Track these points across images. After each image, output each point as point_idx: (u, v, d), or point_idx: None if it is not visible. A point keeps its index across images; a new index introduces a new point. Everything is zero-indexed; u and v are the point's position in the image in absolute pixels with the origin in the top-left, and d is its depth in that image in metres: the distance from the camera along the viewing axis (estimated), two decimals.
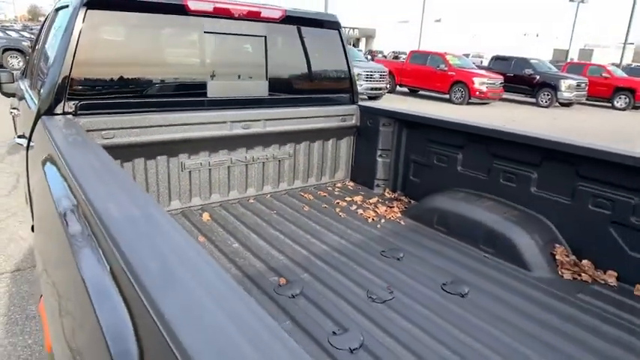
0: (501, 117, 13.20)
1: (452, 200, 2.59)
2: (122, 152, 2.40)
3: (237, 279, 1.96)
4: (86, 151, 1.54)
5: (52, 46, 2.43)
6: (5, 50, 15.41)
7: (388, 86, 15.55)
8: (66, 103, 2.19)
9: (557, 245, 2.24)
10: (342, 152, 3.37)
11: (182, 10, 2.43)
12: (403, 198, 3.11)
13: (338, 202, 3.01)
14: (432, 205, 2.67)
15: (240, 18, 2.65)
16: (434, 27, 51.47)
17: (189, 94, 2.60)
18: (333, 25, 3.11)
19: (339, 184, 3.39)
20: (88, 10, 2.17)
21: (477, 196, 2.58)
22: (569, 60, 32.09)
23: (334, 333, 1.61)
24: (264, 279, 1.97)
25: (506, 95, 17.70)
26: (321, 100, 3.15)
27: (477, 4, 50.74)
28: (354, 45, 52.36)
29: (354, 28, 51.48)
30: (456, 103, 15.56)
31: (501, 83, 15.91)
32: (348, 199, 3.09)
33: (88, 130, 2.23)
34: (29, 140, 2.20)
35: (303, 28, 2.98)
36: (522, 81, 16.97)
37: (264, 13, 2.72)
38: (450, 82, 15.79)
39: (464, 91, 15.44)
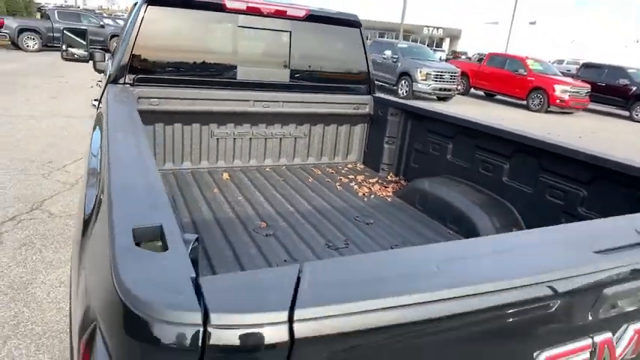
0: (579, 129, 12.17)
1: (434, 184, 2.84)
2: (165, 117, 2.99)
3: (231, 219, 2.47)
4: (125, 109, 2.05)
5: (125, 32, 3.03)
6: (112, 37, 17.28)
7: (459, 88, 14.99)
8: (127, 75, 2.80)
9: (515, 229, 2.36)
10: (355, 137, 3.70)
11: (220, 8, 2.95)
12: (402, 182, 3.36)
13: (340, 179, 3.33)
14: (417, 186, 2.95)
15: (268, 15, 3.09)
16: (528, 30, 48.32)
17: (221, 76, 3.12)
18: (354, 24, 3.43)
19: (350, 165, 3.71)
20: (149, 6, 2.75)
21: (457, 182, 2.78)
22: None
23: (285, 261, 2.03)
24: (251, 221, 2.45)
25: (594, 106, 16.23)
26: (337, 89, 3.49)
27: (579, 5, 46.71)
28: (437, 45, 50.77)
29: (437, 28, 49.90)
30: (533, 110, 14.59)
31: (588, 93, 14.62)
32: (351, 176, 3.39)
33: (139, 98, 2.83)
34: (99, 102, 2.83)
35: (326, 26, 3.34)
36: (615, 92, 15.45)
37: (290, 12, 3.14)
38: (529, 88, 14.83)
39: (543, 98, 14.42)
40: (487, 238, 1.01)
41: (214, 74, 3.08)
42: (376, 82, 15.11)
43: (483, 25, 50.65)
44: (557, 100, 14.16)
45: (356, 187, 3.19)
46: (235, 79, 3.13)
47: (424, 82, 13.39)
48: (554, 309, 0.80)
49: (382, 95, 3.66)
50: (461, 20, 50.80)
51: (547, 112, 14.44)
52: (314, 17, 3.25)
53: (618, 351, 0.93)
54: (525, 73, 15.02)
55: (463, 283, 0.72)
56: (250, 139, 3.33)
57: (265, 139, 3.39)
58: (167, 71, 2.94)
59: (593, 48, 43.39)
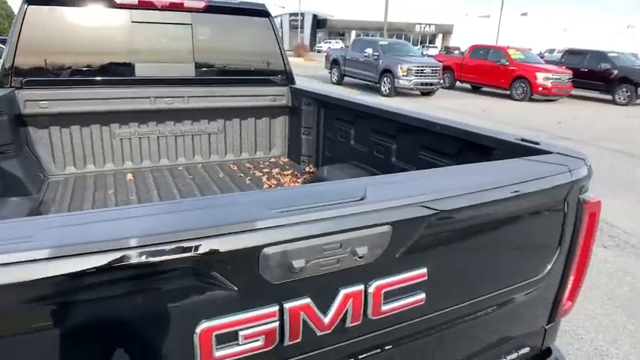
0: (560, 116, 12.29)
1: (332, 171, 2.81)
2: (59, 119, 2.89)
3: (112, 200, 2.62)
4: None
5: (10, 35, 2.91)
6: None
7: (441, 82, 15.14)
8: (13, 79, 2.73)
9: None
10: (276, 130, 3.63)
11: (111, 3, 2.85)
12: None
13: (254, 173, 3.28)
14: (318, 175, 2.93)
15: (163, 9, 2.98)
16: (520, 21, 48.33)
17: (117, 73, 3.00)
18: (261, 13, 3.33)
19: (273, 159, 3.64)
20: (29, 6, 2.65)
21: (355, 167, 2.74)
22: None
23: None
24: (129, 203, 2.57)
25: (578, 92, 16.32)
26: (250, 81, 3.42)
27: None
28: (430, 42, 50.88)
29: (429, 25, 50.10)
30: (517, 100, 14.72)
31: (570, 79, 14.73)
32: (266, 170, 3.37)
33: (26, 101, 2.79)
34: None
35: (232, 17, 3.23)
36: (597, 76, 15.53)
37: (188, 4, 3.02)
38: (512, 78, 14.96)
39: (525, 86, 14.55)
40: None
41: (109, 72, 2.96)
42: (359, 80, 15.11)
43: (475, 19, 50.74)
44: (540, 88, 14.28)
45: (265, 179, 3.13)
46: (133, 76, 3.00)
47: (405, 77, 13.57)
48: (215, 273, 0.74)
49: (298, 86, 3.57)
50: (452, 15, 50.91)
51: (530, 100, 14.56)
52: (215, 8, 3.11)
53: (327, 318, 0.86)
54: (507, 63, 15.16)
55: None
56: (158, 137, 3.22)
57: (175, 137, 3.28)
58: (57, 72, 2.83)
59: (585, 36, 43.34)
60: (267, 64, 3.47)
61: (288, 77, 3.53)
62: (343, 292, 0.86)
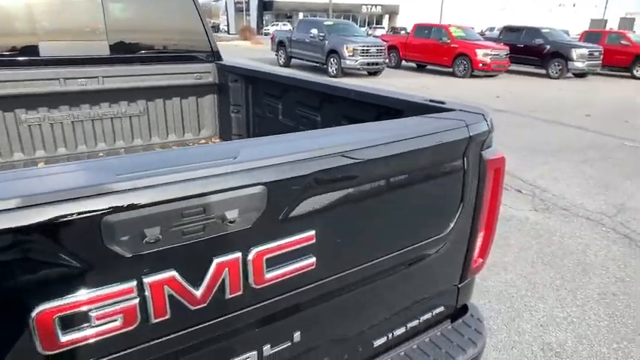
0: (499, 90, 12.79)
1: None
2: None
3: None
4: None
5: None
6: None
7: (387, 61, 15.31)
8: None
9: None
10: (205, 109, 3.44)
11: None
12: None
13: None
14: None
15: None
16: (463, 1, 49.45)
17: (17, 54, 2.69)
18: None
19: (203, 141, 3.46)
20: None
21: None
22: (608, 29, 30.14)
23: None
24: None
25: (515, 67, 17.05)
26: (171, 59, 3.20)
27: None
28: (377, 22, 51.19)
29: (375, 5, 50.29)
30: (459, 77, 15.16)
31: (507, 54, 15.33)
32: None
33: None
34: None
35: None
36: (532, 51, 16.28)
37: None
38: (453, 55, 15.37)
39: (467, 63, 15.00)
40: None
41: (7, 53, 2.66)
42: (307, 62, 14.97)
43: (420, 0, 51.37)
44: (480, 64, 14.78)
45: None
46: (38, 56, 2.71)
47: (351, 57, 13.59)
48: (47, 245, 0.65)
49: (225, 62, 3.38)
50: None
51: (472, 76, 15.04)
52: None
53: (199, 291, 0.79)
54: (449, 41, 15.54)
55: None
56: (73, 122, 2.94)
57: (92, 121, 3.00)
58: None
59: (521, 14, 45.23)
60: (189, 40, 3.27)
61: (213, 53, 3.36)
62: (216, 261, 0.79)
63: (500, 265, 3.30)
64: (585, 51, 15.37)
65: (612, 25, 43.52)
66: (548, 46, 15.82)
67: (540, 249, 3.56)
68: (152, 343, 0.79)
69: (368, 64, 13.96)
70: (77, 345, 0.71)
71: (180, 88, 3.29)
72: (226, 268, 0.81)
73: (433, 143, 1.04)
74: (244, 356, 0.93)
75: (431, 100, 1.42)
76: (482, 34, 22.99)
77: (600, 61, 15.88)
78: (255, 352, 0.94)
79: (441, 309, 1.31)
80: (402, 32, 28.80)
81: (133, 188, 0.68)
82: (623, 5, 47.48)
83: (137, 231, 0.69)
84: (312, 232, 0.89)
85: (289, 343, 0.98)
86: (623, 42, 16.72)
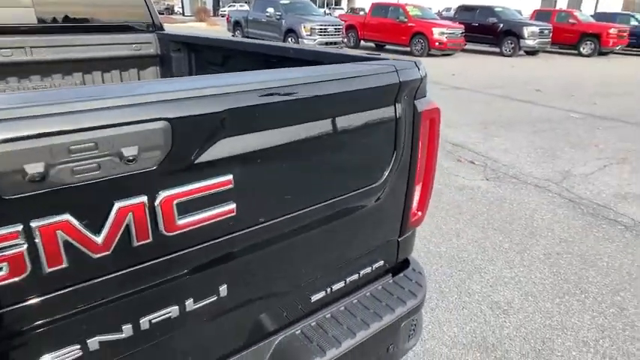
0: (454, 68, 13.02)
1: None
2: None
3: None
4: None
5: None
6: None
7: (345, 40, 15.23)
8: None
9: None
10: None
11: None
12: None
13: None
14: None
15: None
16: None
17: None
18: None
19: None
20: None
21: None
22: (557, 8, 31.17)
23: None
24: None
25: (471, 46, 17.40)
26: (106, 28, 3.01)
27: None
28: (335, 3, 50.75)
29: None
30: (417, 55, 15.29)
31: (462, 33, 15.59)
32: None
33: None
34: None
35: None
36: (486, 30, 16.64)
37: None
38: (410, 34, 15.47)
39: (423, 42, 15.15)
40: None
41: None
42: None
43: None
44: (437, 43, 14.96)
45: None
46: None
47: (309, 37, 13.44)
48: None
49: (166, 32, 3.22)
50: None
51: (429, 55, 15.22)
52: None
53: (100, 237, 0.72)
54: (406, 20, 15.61)
55: None
56: None
57: None
58: None
59: None
60: (126, 9, 3.09)
61: (154, 24, 3.20)
62: (118, 205, 0.72)
63: (453, 231, 3.37)
64: (536, 29, 15.86)
65: (561, 4, 45.09)
66: (501, 25, 16.20)
67: (491, 215, 3.66)
68: (52, 295, 0.72)
69: (326, 43, 13.83)
70: None
71: (120, 59, 3.09)
72: (130, 213, 0.74)
73: (360, 86, 1.00)
74: (164, 311, 0.87)
75: (368, 54, 1.38)
76: (439, 14, 23.29)
77: (550, 39, 16.45)
78: (176, 307, 0.88)
79: (380, 263, 1.29)
80: (361, 13, 28.69)
81: (5, 119, 0.60)
82: None
83: (15, 167, 0.61)
84: (230, 177, 0.83)
85: (215, 298, 0.93)
86: (570, 20, 17.35)
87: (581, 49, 17.08)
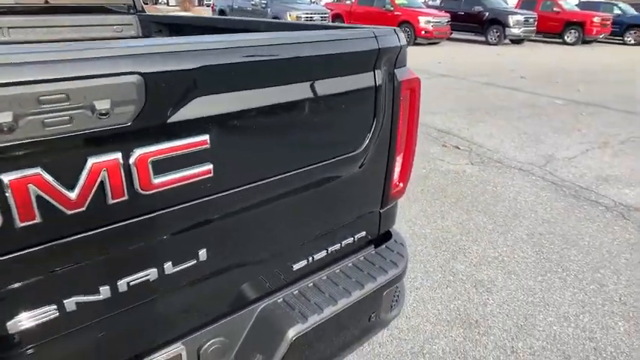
0: (440, 56, 13.04)
1: None
2: None
3: None
4: None
5: None
6: None
7: None
8: None
9: None
10: None
11: None
12: None
13: None
14: None
15: None
16: None
17: None
18: None
19: None
20: None
21: None
22: None
23: None
24: None
25: (457, 35, 17.43)
26: (85, 9, 2.96)
27: None
28: None
29: None
30: None
31: (448, 22, 15.60)
32: None
33: None
34: None
35: None
36: (472, 19, 16.67)
37: None
38: (397, 23, 15.37)
39: (410, 31, 15.11)
40: None
41: None
42: None
43: None
44: (423, 32, 14.95)
45: None
46: None
47: None
48: None
49: (147, 13, 3.14)
50: None
51: (415, 44, 15.21)
52: None
53: (74, 192, 0.71)
54: (392, 9, 15.57)
55: None
56: None
57: None
58: None
59: None
60: None
61: (135, 5, 3.14)
62: (92, 160, 0.70)
63: (438, 213, 3.39)
64: (521, 17, 15.93)
65: None
66: (487, 13, 16.23)
67: (475, 198, 3.69)
68: (27, 251, 0.70)
69: None
70: None
71: (100, 41, 3.02)
72: (104, 169, 0.72)
73: (339, 50, 0.99)
74: (142, 273, 0.85)
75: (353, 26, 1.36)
76: (425, 2, 23.25)
77: (535, 28, 16.54)
78: (154, 270, 0.86)
79: (362, 234, 1.29)
80: (348, 1, 28.52)
81: None
82: None
83: None
84: (205, 138, 0.82)
85: (194, 262, 0.92)
86: (555, 9, 17.46)
87: (566, 37, 17.22)
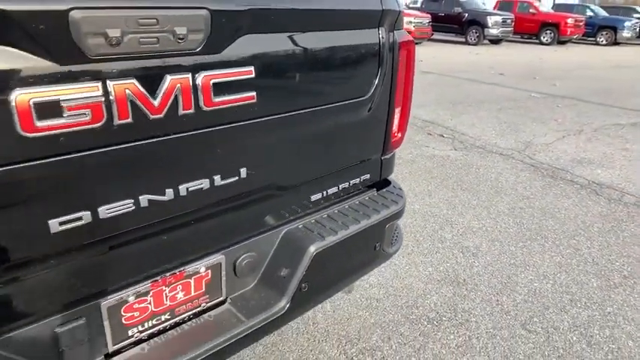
0: (424, 55, 13.35)
1: None
2: None
3: None
4: None
5: None
6: None
7: None
8: None
9: None
10: None
11: None
12: None
13: None
14: None
15: None
16: None
17: None
18: None
19: None
20: None
21: None
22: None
23: None
24: None
25: (438, 36, 17.85)
26: None
27: None
28: None
29: None
30: None
31: (429, 22, 15.98)
32: None
33: None
34: None
35: None
36: (452, 20, 17.10)
37: None
38: None
39: None
40: None
41: None
42: None
43: None
44: None
45: None
46: None
47: None
48: None
49: None
50: None
51: None
52: None
53: (157, 101, 0.86)
54: None
55: None
56: None
57: None
58: None
59: None
60: None
61: None
62: (170, 77, 0.86)
63: (425, 192, 3.59)
64: (499, 18, 16.43)
65: None
66: (466, 15, 16.69)
67: (460, 178, 3.91)
68: (120, 146, 0.85)
69: None
70: (53, 132, 0.76)
71: None
72: (179, 85, 0.88)
73: (351, 7, 1.19)
74: (198, 181, 1.01)
75: None
76: (406, 4, 23.70)
77: (512, 28, 17.08)
78: (207, 180, 1.02)
79: (367, 176, 1.46)
80: None
81: None
82: None
83: (101, 30, 0.76)
84: (251, 68, 0.98)
85: (236, 178, 1.07)
86: (531, 10, 18.07)
87: (542, 37, 17.82)
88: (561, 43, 17.90)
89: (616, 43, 18.70)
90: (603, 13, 20.14)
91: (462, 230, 3.01)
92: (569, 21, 17.37)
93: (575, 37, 18.01)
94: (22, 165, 0.75)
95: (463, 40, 17.14)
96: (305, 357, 1.88)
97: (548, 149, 4.81)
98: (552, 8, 19.66)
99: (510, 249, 2.80)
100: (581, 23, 17.93)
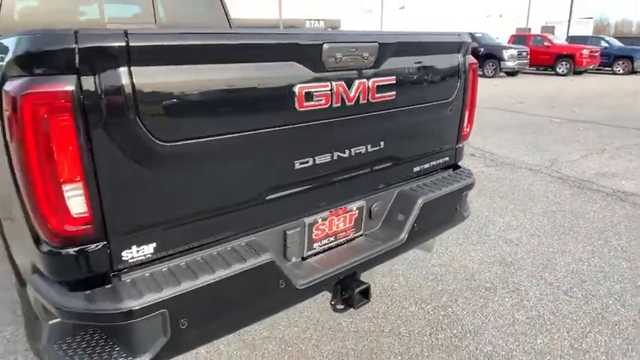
0: None
1: None
2: None
3: None
4: None
5: None
6: None
7: None
8: None
9: None
10: None
11: None
12: None
13: None
14: None
15: None
16: (398, 14, 52.27)
17: None
18: None
19: None
20: None
21: None
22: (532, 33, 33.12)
23: None
24: None
25: None
26: None
27: None
28: None
29: (318, 20, 52.22)
30: None
31: None
32: None
33: None
34: None
35: None
36: None
37: None
38: None
39: None
40: None
41: None
42: None
43: (360, 14, 53.61)
44: None
45: None
46: None
47: None
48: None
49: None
50: (339, 11, 53.39)
51: None
52: None
53: (351, 94, 1.45)
54: None
55: None
56: None
57: None
58: None
59: (459, 21, 48.52)
60: None
61: None
62: (357, 81, 1.46)
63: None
64: (515, 51, 17.15)
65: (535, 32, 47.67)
66: (482, 49, 17.46)
67: (495, 188, 4.39)
68: (333, 119, 1.44)
69: None
70: (309, 109, 1.37)
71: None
72: (362, 86, 1.47)
73: (445, 40, 1.81)
74: (362, 146, 1.59)
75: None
76: None
77: (528, 60, 17.74)
78: (364, 146, 1.60)
79: (447, 159, 2.02)
80: None
81: (333, 36, 1.40)
82: (544, 15, 52.31)
83: (333, 54, 1.37)
84: (394, 77, 1.59)
85: (378, 148, 1.65)
86: (545, 43, 18.78)
87: (558, 69, 18.41)
88: (577, 73, 18.43)
89: (633, 72, 19.16)
90: (618, 43, 20.73)
91: (504, 227, 3.47)
92: (584, 52, 17.96)
93: (591, 67, 18.55)
94: (295, 126, 1.35)
95: (480, 73, 17.85)
96: (391, 311, 2.36)
97: (574, 165, 5.27)
98: (566, 40, 20.35)
99: (547, 240, 3.25)
100: (596, 54, 18.50)
